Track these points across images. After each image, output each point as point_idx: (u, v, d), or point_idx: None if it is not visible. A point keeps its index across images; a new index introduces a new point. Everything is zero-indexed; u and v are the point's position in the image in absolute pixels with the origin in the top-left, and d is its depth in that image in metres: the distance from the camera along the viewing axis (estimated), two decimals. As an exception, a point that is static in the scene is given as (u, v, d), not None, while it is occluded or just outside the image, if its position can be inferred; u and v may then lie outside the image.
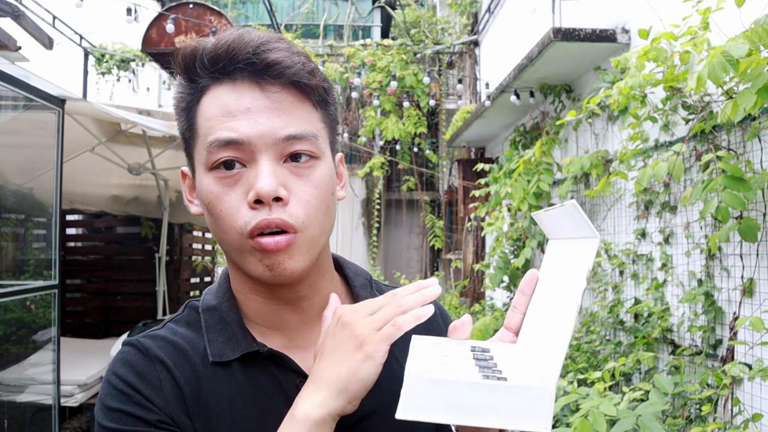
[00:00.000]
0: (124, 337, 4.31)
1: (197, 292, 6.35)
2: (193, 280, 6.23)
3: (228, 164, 0.67)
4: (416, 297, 0.63)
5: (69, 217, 5.60)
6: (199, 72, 0.69)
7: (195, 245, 6.25)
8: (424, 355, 0.60)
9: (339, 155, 0.79)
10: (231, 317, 0.75)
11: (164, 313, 4.98)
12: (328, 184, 0.71)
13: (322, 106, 0.72)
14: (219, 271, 7.09)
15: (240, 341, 0.73)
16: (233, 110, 0.67)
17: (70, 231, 5.80)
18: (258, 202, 0.65)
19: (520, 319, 0.69)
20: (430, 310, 0.61)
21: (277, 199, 0.65)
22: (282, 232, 0.66)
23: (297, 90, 0.69)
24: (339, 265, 0.84)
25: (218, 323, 0.75)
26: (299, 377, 0.72)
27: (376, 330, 0.60)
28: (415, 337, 0.68)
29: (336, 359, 0.61)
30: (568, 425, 2.67)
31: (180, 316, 0.78)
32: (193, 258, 6.27)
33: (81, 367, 4.00)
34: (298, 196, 0.67)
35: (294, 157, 0.68)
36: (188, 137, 0.72)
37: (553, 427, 2.89)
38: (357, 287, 0.82)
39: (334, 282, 0.81)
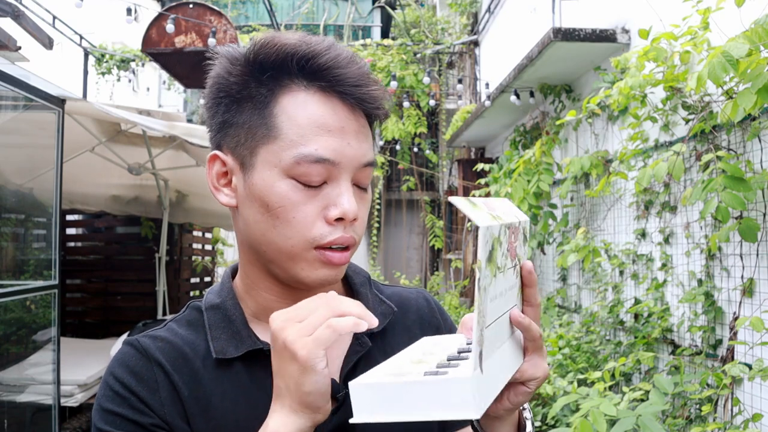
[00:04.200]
0: (124, 337, 4.30)
1: (197, 292, 6.35)
2: (193, 280, 6.23)
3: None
4: (352, 304, 0.61)
5: (69, 217, 5.60)
6: (291, 71, 0.69)
7: (195, 245, 6.25)
8: (399, 358, 0.64)
9: None
10: (235, 315, 0.75)
11: (164, 313, 4.97)
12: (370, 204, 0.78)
13: (374, 134, 0.79)
14: (219, 271, 7.09)
15: (244, 339, 0.73)
16: (329, 125, 0.68)
17: (70, 231, 5.80)
18: (338, 219, 0.69)
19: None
20: (371, 322, 0.59)
21: (354, 219, 0.70)
22: (346, 248, 0.71)
23: (370, 120, 0.74)
24: None
25: (222, 321, 0.75)
26: None
27: (308, 335, 0.58)
28: (424, 339, 0.71)
29: (280, 374, 0.61)
30: (568, 425, 2.67)
31: (182, 315, 0.79)
32: (193, 258, 6.27)
33: (81, 367, 4.00)
34: (360, 217, 0.72)
35: (360, 183, 0.73)
36: (258, 131, 0.69)
37: (553, 426, 2.89)
38: (357, 285, 0.83)
39: (337, 283, 0.82)
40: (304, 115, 0.67)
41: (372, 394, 0.54)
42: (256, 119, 0.69)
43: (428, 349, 0.68)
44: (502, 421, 0.69)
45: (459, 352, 0.62)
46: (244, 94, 0.70)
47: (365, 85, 0.69)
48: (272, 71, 0.69)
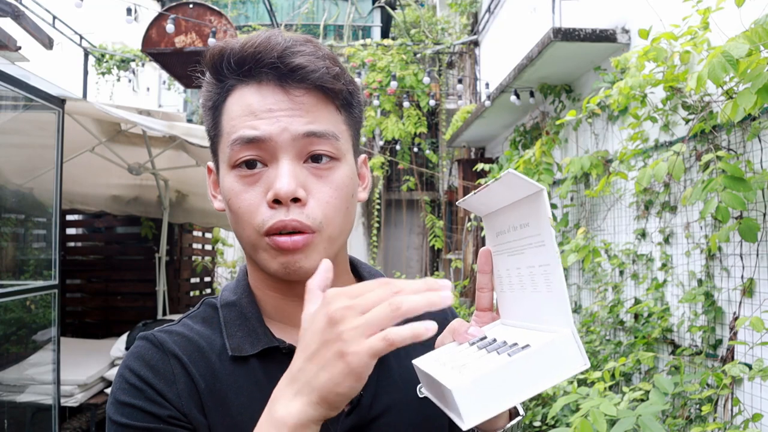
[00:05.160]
0: (124, 337, 4.31)
1: (197, 292, 6.35)
2: (193, 280, 6.23)
3: (249, 163, 0.68)
4: (420, 300, 0.52)
5: (69, 217, 5.60)
6: (225, 72, 0.71)
7: (195, 245, 6.25)
8: (442, 364, 0.61)
9: (362, 157, 0.80)
10: (251, 312, 0.75)
11: (164, 313, 4.97)
12: (348, 185, 0.71)
13: (346, 109, 0.73)
14: (219, 271, 7.09)
15: (260, 336, 0.73)
16: (256, 110, 0.68)
17: (70, 231, 5.80)
18: (277, 201, 0.67)
19: (490, 296, 0.71)
20: (431, 329, 0.51)
21: (296, 200, 0.67)
22: (299, 232, 0.67)
23: (321, 93, 0.70)
24: (353, 265, 0.85)
25: (237, 318, 0.75)
26: None
27: (365, 337, 0.51)
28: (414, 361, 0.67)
29: (318, 362, 0.54)
30: (568, 425, 2.67)
31: (196, 312, 0.79)
32: (193, 258, 6.27)
33: (81, 367, 4.00)
34: (316, 197, 0.68)
35: (315, 158, 0.69)
36: (213, 135, 0.74)
37: (553, 426, 2.89)
38: None
39: (350, 282, 0.81)
40: (236, 108, 0.70)
41: (478, 391, 0.52)
42: (211, 124, 0.74)
43: (441, 358, 0.65)
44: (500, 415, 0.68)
45: (485, 347, 0.60)
46: (208, 105, 0.74)
47: (283, 60, 0.67)
48: (218, 77, 0.72)
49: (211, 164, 0.78)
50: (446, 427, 0.78)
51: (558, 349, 0.55)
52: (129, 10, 6.09)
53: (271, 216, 0.67)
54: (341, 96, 0.71)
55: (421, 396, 0.67)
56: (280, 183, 0.65)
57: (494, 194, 0.65)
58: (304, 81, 0.68)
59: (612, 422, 1.93)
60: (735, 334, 2.53)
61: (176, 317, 0.82)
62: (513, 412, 0.71)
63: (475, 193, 0.66)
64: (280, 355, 0.73)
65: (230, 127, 0.70)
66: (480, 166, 5.50)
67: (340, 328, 0.53)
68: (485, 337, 0.65)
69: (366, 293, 0.54)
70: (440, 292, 0.53)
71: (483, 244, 7.27)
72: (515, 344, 0.58)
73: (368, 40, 8.96)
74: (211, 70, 0.72)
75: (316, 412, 0.54)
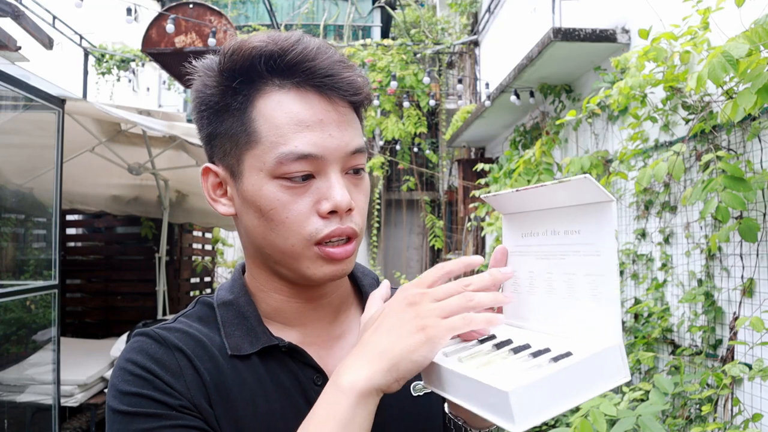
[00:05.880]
0: (124, 337, 4.31)
1: (197, 292, 6.34)
2: (193, 280, 6.23)
3: (304, 176, 0.69)
4: (489, 297, 0.61)
5: (69, 217, 5.60)
6: (261, 72, 0.68)
7: (195, 245, 6.25)
8: (459, 360, 0.60)
9: None
10: (249, 312, 0.75)
11: (164, 313, 4.97)
12: (369, 191, 0.76)
13: (362, 119, 0.77)
14: (219, 271, 7.09)
15: (259, 335, 0.73)
16: (306, 120, 0.67)
17: (70, 231, 5.80)
18: (331, 212, 0.68)
19: None
20: (500, 320, 0.60)
21: (348, 210, 0.69)
22: (347, 240, 0.70)
23: (353, 106, 0.72)
24: None
25: (235, 318, 0.75)
26: (316, 373, 0.73)
27: (441, 318, 0.58)
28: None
29: (393, 335, 0.58)
30: (568, 425, 2.67)
31: (191, 311, 0.78)
32: (193, 258, 6.27)
33: (81, 367, 4.00)
34: (357, 206, 0.71)
35: (355, 170, 0.72)
36: (240, 139, 0.69)
37: (553, 426, 2.89)
38: (366, 286, 0.84)
39: (347, 281, 0.83)
40: (280, 115, 0.67)
41: (533, 395, 0.52)
42: (237, 127, 0.69)
43: (446, 354, 0.65)
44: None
45: (515, 351, 0.61)
46: (222, 105, 0.70)
47: (337, 74, 0.68)
48: (244, 77, 0.69)
49: (211, 166, 0.74)
50: (441, 427, 0.78)
51: (607, 359, 0.55)
52: (129, 10, 6.09)
53: (325, 225, 0.68)
54: (365, 108, 0.75)
55: (415, 394, 0.67)
56: (340, 196, 0.67)
57: (545, 195, 0.64)
58: (354, 96, 0.70)
59: (612, 422, 1.93)
60: (735, 334, 2.53)
61: (171, 317, 0.82)
62: None
63: (518, 191, 0.65)
64: (280, 354, 0.73)
65: (276, 137, 0.67)
66: (480, 166, 5.50)
67: (417, 309, 0.59)
68: (494, 336, 0.65)
69: (440, 288, 0.61)
70: (504, 295, 0.63)
71: (483, 244, 7.27)
72: (546, 349, 0.58)
73: (368, 40, 8.96)
74: (239, 69, 0.68)
75: (384, 380, 0.57)
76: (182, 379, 0.68)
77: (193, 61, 0.73)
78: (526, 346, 0.59)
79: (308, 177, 0.68)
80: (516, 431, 0.51)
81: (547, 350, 0.58)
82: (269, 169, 0.67)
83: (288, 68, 0.68)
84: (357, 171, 0.72)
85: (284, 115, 0.67)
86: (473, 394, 0.56)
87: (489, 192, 5.02)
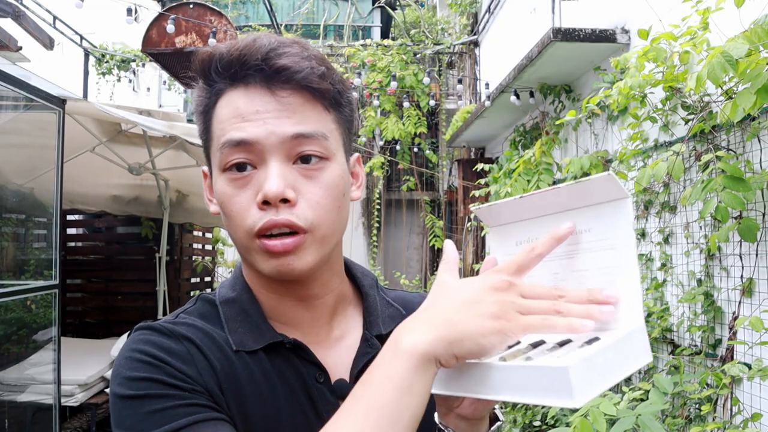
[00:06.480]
0: (124, 337, 4.30)
1: (197, 292, 6.33)
2: (193, 280, 6.23)
3: (240, 166, 0.69)
4: (580, 311, 0.56)
5: (69, 217, 5.60)
6: (214, 76, 0.71)
7: (195, 245, 6.25)
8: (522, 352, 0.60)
9: (356, 155, 0.80)
10: (252, 308, 0.76)
11: (164, 313, 4.97)
12: (339, 185, 0.71)
13: (335, 108, 0.73)
14: (219, 271, 7.09)
15: (264, 332, 0.74)
16: (244, 113, 0.68)
17: (71, 231, 5.80)
18: (266, 203, 0.67)
19: None
20: (587, 327, 0.54)
21: (285, 200, 0.67)
22: (291, 233, 0.67)
23: (308, 93, 0.70)
24: (346, 266, 0.85)
25: (238, 314, 0.75)
26: (318, 370, 0.74)
27: (521, 314, 0.55)
28: None
29: (469, 311, 0.55)
30: (568, 425, 2.67)
31: (192, 308, 0.78)
32: (194, 258, 6.27)
33: (81, 367, 4.00)
34: (306, 198, 0.68)
35: (304, 159, 0.69)
36: (205, 139, 0.74)
37: (553, 426, 2.90)
38: (366, 287, 0.84)
39: (344, 282, 0.82)
40: (225, 111, 0.70)
41: (585, 370, 0.53)
42: (202, 128, 0.74)
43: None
44: (483, 420, 0.69)
45: (532, 344, 0.61)
46: (199, 110, 0.74)
47: (269, 61, 0.68)
48: (208, 82, 0.72)
49: (205, 169, 0.78)
50: (435, 427, 0.78)
51: (634, 341, 0.57)
52: (129, 11, 6.09)
53: (261, 217, 0.67)
54: (329, 95, 0.71)
55: None
56: (269, 184, 0.66)
57: (554, 198, 0.63)
58: (290, 82, 0.68)
59: (612, 422, 1.93)
60: (734, 333, 2.53)
61: (171, 315, 0.81)
62: (492, 418, 0.72)
63: (522, 197, 0.65)
64: (284, 350, 0.73)
65: (219, 131, 0.70)
66: (480, 166, 5.50)
67: (500, 296, 0.56)
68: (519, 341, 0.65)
69: (533, 288, 0.58)
70: (602, 307, 0.56)
71: (483, 244, 7.28)
72: (568, 341, 0.59)
73: (368, 41, 8.96)
74: (200, 75, 0.73)
75: (444, 350, 0.54)
76: (193, 365, 0.68)
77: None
78: (567, 341, 0.60)
79: (249, 167, 0.68)
80: (576, 405, 0.52)
81: (566, 342, 0.59)
82: (218, 164, 0.70)
83: (231, 68, 0.69)
84: (306, 160, 0.69)
85: (228, 111, 0.70)
86: (521, 385, 0.55)
87: (489, 191, 5.03)
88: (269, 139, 0.67)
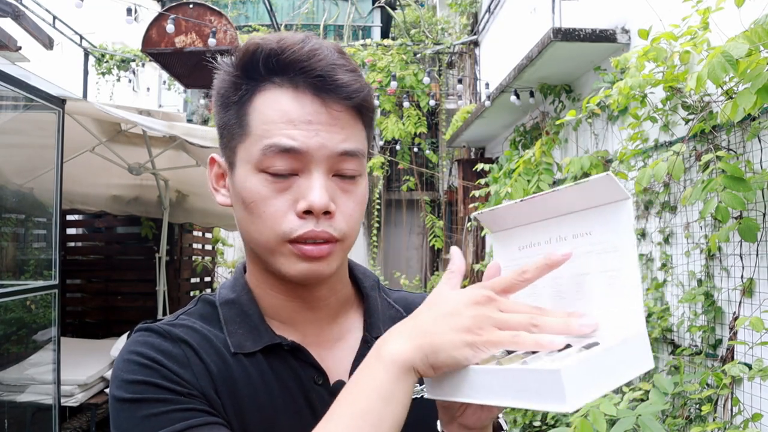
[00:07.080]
0: (124, 337, 4.31)
1: (197, 292, 6.34)
2: (193, 280, 6.23)
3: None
4: (558, 324, 0.56)
5: (69, 217, 5.59)
6: (261, 70, 0.70)
7: (195, 245, 6.25)
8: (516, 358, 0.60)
9: None
10: (251, 310, 0.76)
11: (164, 313, 4.97)
12: (366, 197, 0.74)
13: (369, 126, 0.75)
14: (219, 271, 7.09)
15: (262, 333, 0.74)
16: (295, 119, 0.68)
17: (71, 231, 5.80)
18: (307, 212, 0.67)
19: None
20: (557, 344, 0.54)
21: (326, 212, 0.68)
22: (324, 241, 0.69)
23: (355, 111, 0.71)
24: (348, 267, 0.86)
25: (238, 316, 0.75)
26: (317, 372, 0.74)
27: (497, 328, 0.56)
28: None
29: (445, 323, 0.57)
30: (568, 425, 2.67)
31: (193, 309, 0.78)
32: (194, 258, 6.26)
33: (81, 367, 4.00)
34: (342, 210, 0.70)
35: (342, 173, 0.70)
36: (233, 131, 0.72)
37: (553, 426, 2.90)
38: (367, 288, 0.84)
39: (347, 284, 0.82)
40: (271, 111, 0.69)
41: (581, 374, 0.52)
42: (234, 120, 0.72)
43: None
44: (486, 429, 0.69)
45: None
46: (228, 98, 0.72)
47: (329, 75, 0.68)
48: (249, 72, 0.71)
49: (216, 156, 0.76)
50: (436, 430, 0.78)
51: (634, 346, 0.56)
52: (129, 11, 6.09)
53: (300, 225, 0.67)
54: (369, 115, 0.73)
55: (413, 396, 0.67)
56: (315, 196, 0.67)
57: (554, 201, 0.63)
58: (347, 99, 0.69)
59: (612, 422, 1.93)
60: (735, 334, 2.53)
61: (172, 315, 0.81)
62: (496, 426, 0.72)
63: (523, 200, 0.65)
64: (283, 352, 0.73)
65: (263, 131, 0.68)
66: (480, 166, 5.50)
67: (478, 310, 0.57)
68: None
69: (514, 304, 0.59)
70: (581, 320, 0.57)
71: (483, 244, 7.28)
72: (567, 346, 0.58)
73: (368, 40, 8.96)
74: (242, 64, 0.71)
75: (420, 362, 0.56)
76: (189, 369, 0.68)
77: (220, 57, 0.75)
78: (567, 347, 0.59)
79: (292, 174, 0.68)
80: (567, 410, 0.51)
81: (595, 344, 0.58)
82: (255, 162, 0.69)
83: (283, 67, 0.69)
84: (344, 174, 0.70)
85: (275, 112, 0.68)
86: (513, 389, 0.55)
87: (489, 191, 5.02)
88: (320, 151, 0.67)
